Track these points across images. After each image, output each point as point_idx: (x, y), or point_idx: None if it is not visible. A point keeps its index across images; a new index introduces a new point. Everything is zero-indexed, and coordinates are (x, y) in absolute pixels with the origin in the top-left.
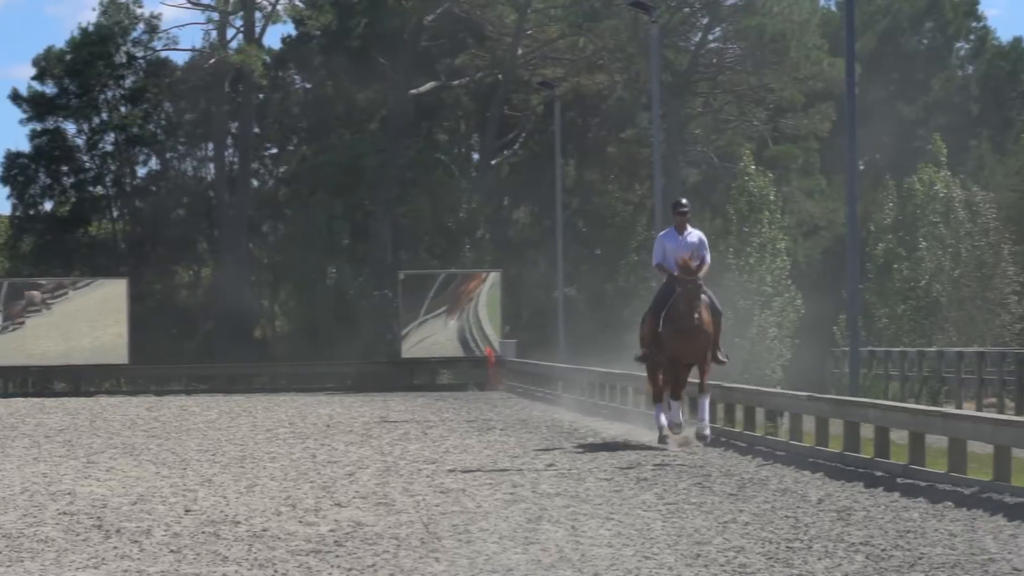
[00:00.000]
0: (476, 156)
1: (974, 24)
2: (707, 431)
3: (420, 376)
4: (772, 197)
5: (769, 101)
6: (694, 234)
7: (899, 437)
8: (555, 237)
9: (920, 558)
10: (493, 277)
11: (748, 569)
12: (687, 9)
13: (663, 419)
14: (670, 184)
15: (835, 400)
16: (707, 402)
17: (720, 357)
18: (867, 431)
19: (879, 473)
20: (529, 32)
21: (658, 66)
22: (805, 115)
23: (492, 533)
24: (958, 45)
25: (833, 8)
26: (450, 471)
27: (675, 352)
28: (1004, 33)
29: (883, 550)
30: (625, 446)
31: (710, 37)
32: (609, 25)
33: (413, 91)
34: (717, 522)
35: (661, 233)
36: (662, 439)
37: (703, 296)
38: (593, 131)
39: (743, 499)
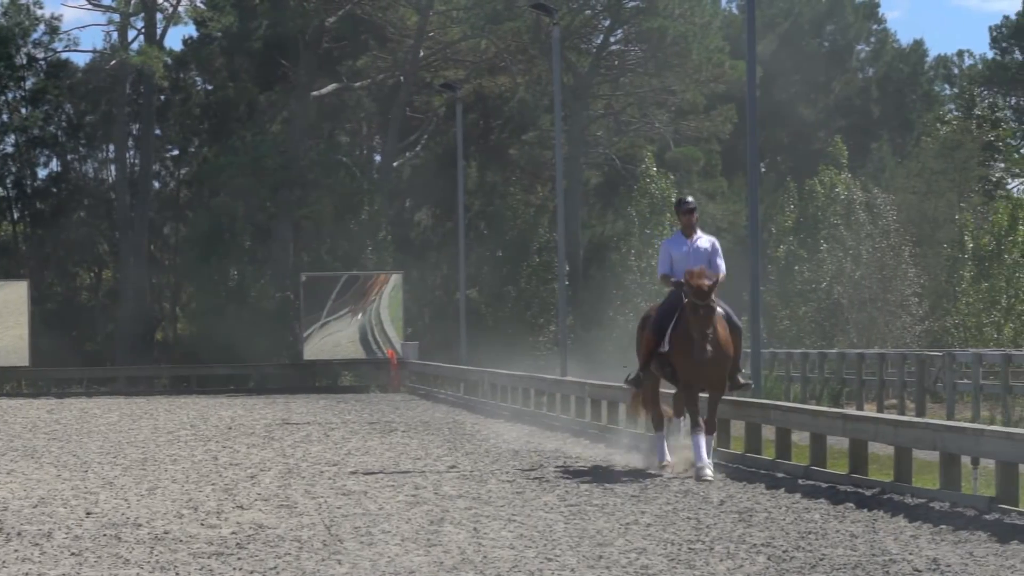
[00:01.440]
0: (378, 158)
1: (874, 27)
2: (708, 473)
3: (322, 378)
4: (674, 199)
5: (671, 103)
6: (704, 239)
7: (800, 438)
8: (457, 239)
9: (821, 559)
10: (395, 279)
11: (650, 570)
12: (589, 11)
13: (666, 451)
14: (572, 186)
15: (736, 401)
16: (711, 443)
17: (740, 380)
18: (768, 432)
19: (781, 474)
20: (431, 34)
21: (560, 68)
22: (707, 117)
23: (394, 535)
24: (859, 47)
25: (735, 10)
26: (352, 473)
27: (689, 376)
28: (904, 36)
29: (785, 551)
30: (527, 448)
31: (612, 39)
32: (511, 27)
33: (315, 93)
34: (619, 523)
35: (666, 239)
36: (661, 468)
37: (719, 310)
38: (495, 133)
39: (645, 500)
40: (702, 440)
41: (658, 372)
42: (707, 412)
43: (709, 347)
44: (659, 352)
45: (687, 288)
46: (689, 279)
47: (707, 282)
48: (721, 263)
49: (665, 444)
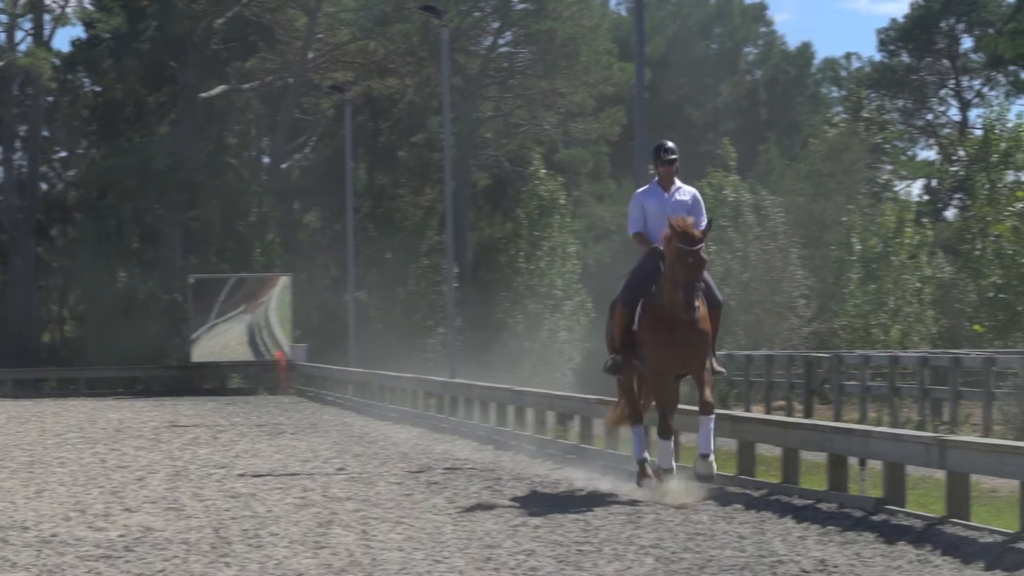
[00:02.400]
0: (266, 159)
1: (762, 29)
2: (712, 468)
3: (210, 380)
4: (562, 201)
5: (559, 105)
6: (685, 191)
7: (688, 440)
8: (346, 241)
9: (710, 560)
10: (284, 281)
11: (539, 572)
12: (478, 13)
13: (645, 449)
14: (461, 188)
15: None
16: (711, 425)
17: (716, 365)
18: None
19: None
20: (319, 36)
21: (449, 70)
22: (595, 119)
23: (282, 538)
24: (746, 50)
25: (623, 13)
26: (240, 475)
27: (661, 359)
28: (792, 38)
29: (673, 552)
30: (416, 450)
31: (501, 41)
32: (400, 29)
33: (203, 94)
34: (508, 525)
35: (639, 190)
36: (642, 477)
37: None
38: (384, 135)
39: (533, 502)
40: (644, 446)
41: (635, 357)
42: (699, 391)
43: (696, 305)
44: (632, 330)
45: (673, 233)
46: (675, 223)
47: (696, 227)
48: (704, 221)
49: (644, 439)
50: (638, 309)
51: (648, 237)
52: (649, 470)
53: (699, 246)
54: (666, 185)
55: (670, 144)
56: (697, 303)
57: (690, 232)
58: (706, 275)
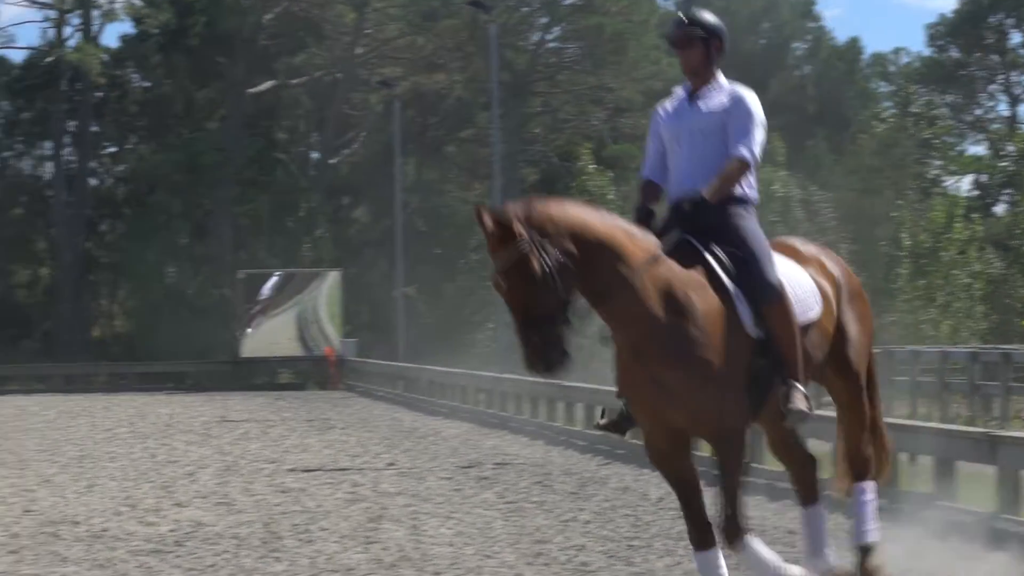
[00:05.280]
0: (315, 155)
1: (811, 24)
2: None
3: (260, 375)
4: (611, 196)
5: (608, 100)
6: (721, 93)
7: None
8: (394, 236)
9: None
10: (333, 276)
11: (589, 567)
12: (526, 8)
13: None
14: (509, 183)
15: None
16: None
17: (796, 403)
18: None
19: (714, 471)
20: (368, 31)
21: (497, 65)
22: (644, 114)
23: (333, 532)
24: (795, 45)
25: (672, 7)
26: (290, 470)
27: (639, 411)
28: (841, 34)
29: (722, 547)
30: (465, 445)
31: (549, 36)
32: (448, 24)
33: (252, 90)
34: (558, 521)
35: (660, 105)
36: None
37: (704, 261)
38: (432, 130)
39: (584, 498)
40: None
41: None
42: (721, 496)
43: (656, 331)
44: None
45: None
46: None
47: (491, 218)
48: (753, 137)
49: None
50: None
51: (659, 183)
52: None
53: (519, 253)
54: (695, 83)
55: (692, 13)
56: (538, 359)
57: (493, 232)
58: (735, 237)
